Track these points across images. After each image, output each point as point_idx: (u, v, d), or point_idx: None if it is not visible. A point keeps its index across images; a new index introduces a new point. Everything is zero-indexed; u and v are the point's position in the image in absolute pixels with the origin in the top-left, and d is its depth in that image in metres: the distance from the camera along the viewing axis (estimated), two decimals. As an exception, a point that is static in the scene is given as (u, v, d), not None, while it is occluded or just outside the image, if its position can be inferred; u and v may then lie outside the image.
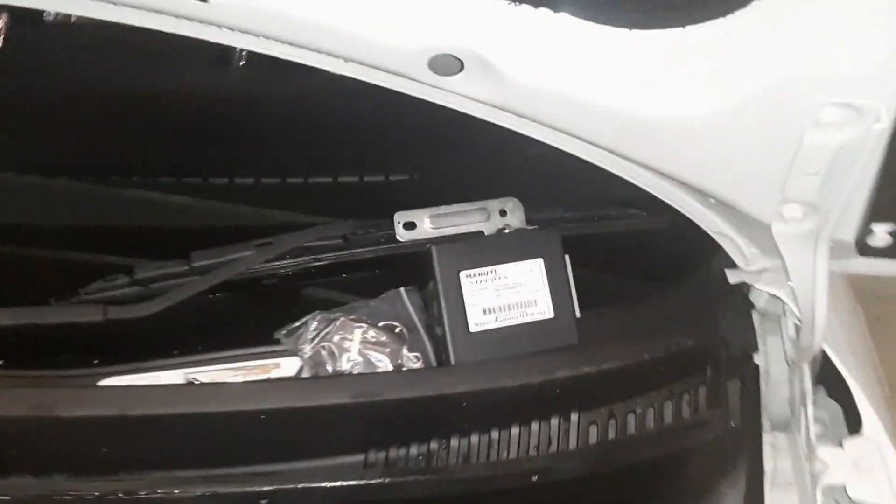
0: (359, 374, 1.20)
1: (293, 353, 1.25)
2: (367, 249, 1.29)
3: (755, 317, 1.32)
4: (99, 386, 1.18)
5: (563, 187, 1.40)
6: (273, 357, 1.25)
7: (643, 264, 1.44)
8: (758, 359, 1.31)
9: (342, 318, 1.24)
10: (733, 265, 1.25)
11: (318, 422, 1.17)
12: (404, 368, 1.22)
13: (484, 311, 1.22)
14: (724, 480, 1.25)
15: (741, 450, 1.26)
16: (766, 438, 1.27)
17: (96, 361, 1.22)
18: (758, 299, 1.31)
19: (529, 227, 1.29)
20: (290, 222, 1.53)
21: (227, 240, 1.30)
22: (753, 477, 1.24)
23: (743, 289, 1.30)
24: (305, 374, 1.24)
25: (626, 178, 1.12)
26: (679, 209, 1.17)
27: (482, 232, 1.29)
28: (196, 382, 1.23)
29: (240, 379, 1.24)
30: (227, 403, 1.15)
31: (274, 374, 1.26)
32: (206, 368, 1.24)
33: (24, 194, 1.69)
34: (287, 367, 1.26)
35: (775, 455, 1.26)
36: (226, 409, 1.14)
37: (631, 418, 1.24)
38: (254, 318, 1.39)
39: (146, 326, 1.25)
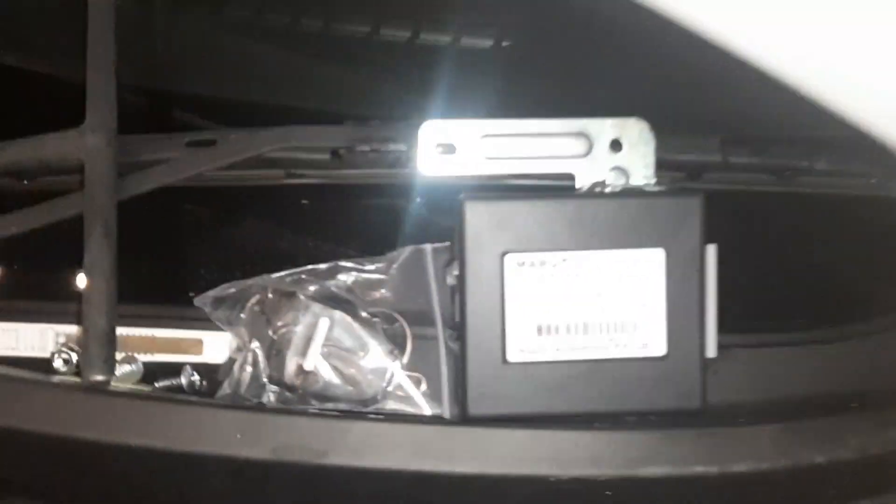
0: (287, 408, 0.69)
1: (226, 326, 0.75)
2: (360, 172, 0.74)
3: None
4: None
5: (731, 117, 0.79)
6: (191, 326, 0.76)
7: (857, 262, 0.82)
8: None
9: (299, 297, 0.71)
10: None
11: (209, 485, 0.66)
12: (379, 403, 0.69)
13: (538, 330, 0.67)
14: None
15: None
16: None
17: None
18: None
19: (653, 188, 0.70)
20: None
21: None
22: None
23: None
24: (233, 378, 0.74)
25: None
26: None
27: (572, 182, 0.72)
28: (62, 354, 0.75)
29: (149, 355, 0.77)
30: (56, 421, 0.66)
31: (193, 356, 0.77)
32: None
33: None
34: (213, 347, 0.77)
35: None
36: (52, 429, 0.66)
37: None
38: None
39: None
